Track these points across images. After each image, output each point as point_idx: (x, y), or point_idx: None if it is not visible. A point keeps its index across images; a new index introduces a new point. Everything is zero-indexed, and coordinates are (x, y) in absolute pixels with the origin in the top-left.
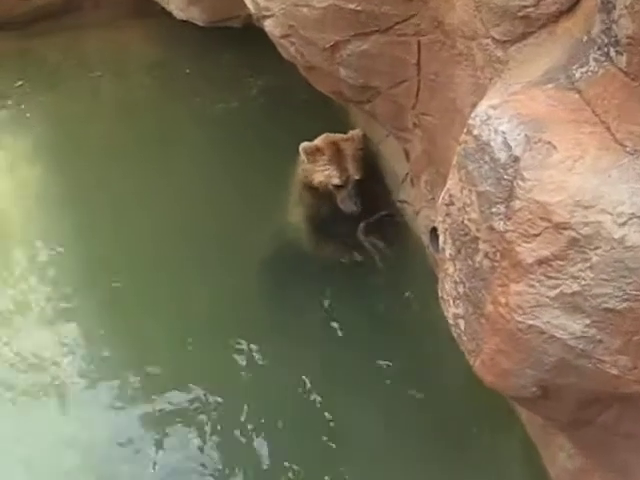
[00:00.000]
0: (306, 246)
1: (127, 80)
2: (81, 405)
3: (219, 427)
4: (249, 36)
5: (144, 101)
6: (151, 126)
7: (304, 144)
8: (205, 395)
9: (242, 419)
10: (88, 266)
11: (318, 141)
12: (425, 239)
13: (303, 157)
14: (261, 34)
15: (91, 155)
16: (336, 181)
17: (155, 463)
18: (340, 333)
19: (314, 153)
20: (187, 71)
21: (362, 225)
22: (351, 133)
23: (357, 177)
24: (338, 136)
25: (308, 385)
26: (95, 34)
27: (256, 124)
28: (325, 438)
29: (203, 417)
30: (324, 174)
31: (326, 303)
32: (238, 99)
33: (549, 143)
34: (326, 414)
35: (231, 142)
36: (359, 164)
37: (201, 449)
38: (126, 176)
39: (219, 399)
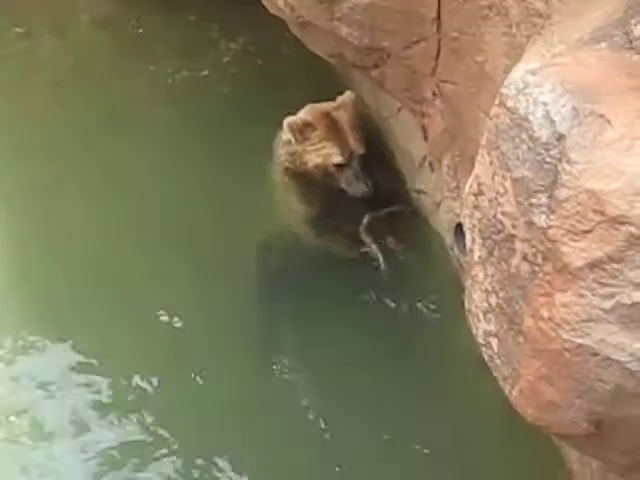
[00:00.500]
0: (301, 250)
1: (64, 41)
2: None
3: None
4: None
5: (85, 69)
6: (93, 103)
7: (289, 119)
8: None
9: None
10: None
11: (305, 114)
12: (448, 238)
13: (289, 136)
14: None
15: (18, 144)
16: (338, 159)
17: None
18: (340, 357)
19: (303, 130)
20: (140, 30)
21: (365, 221)
22: (340, 99)
23: (361, 151)
24: (327, 105)
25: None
26: None
27: (229, 99)
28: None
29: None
30: (321, 154)
31: (326, 322)
32: (206, 67)
33: (602, 117)
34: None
35: (198, 123)
36: (360, 134)
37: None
38: (61, 172)
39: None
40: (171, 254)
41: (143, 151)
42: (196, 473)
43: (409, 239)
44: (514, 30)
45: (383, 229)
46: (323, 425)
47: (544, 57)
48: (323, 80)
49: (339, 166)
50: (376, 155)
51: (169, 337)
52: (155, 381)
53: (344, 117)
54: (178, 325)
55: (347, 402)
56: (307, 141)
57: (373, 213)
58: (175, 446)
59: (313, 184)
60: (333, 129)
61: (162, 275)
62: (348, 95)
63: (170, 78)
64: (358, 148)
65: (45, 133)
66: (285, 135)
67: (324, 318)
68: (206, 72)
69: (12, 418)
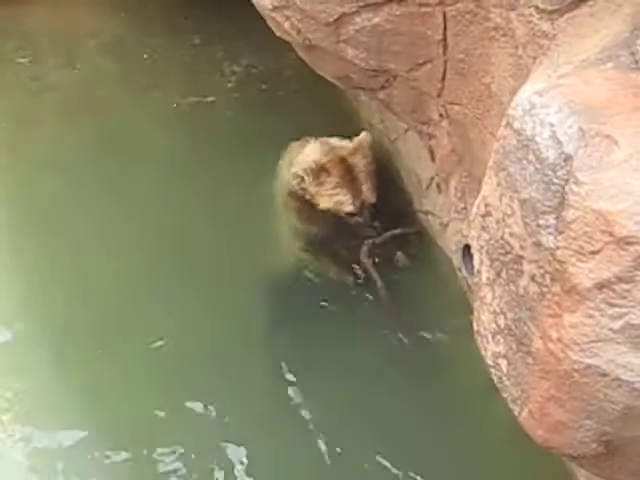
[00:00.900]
0: (303, 273)
1: (71, 66)
2: None
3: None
4: (225, 10)
5: (92, 94)
6: (100, 127)
7: (303, 163)
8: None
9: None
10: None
11: (320, 154)
12: (456, 259)
13: (308, 175)
14: (241, 6)
15: (24, 168)
16: (349, 208)
17: None
18: (344, 377)
19: (318, 174)
20: (145, 56)
21: (365, 248)
22: (357, 141)
23: (373, 200)
24: (343, 148)
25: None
26: (35, 10)
27: (234, 123)
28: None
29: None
30: (333, 200)
31: (330, 342)
32: (211, 91)
33: (609, 137)
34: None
35: (203, 147)
36: (373, 183)
37: None
38: (68, 194)
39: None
40: (174, 274)
41: (149, 173)
42: None
43: (415, 260)
44: (520, 51)
45: (387, 252)
46: (324, 445)
47: (550, 78)
48: (328, 103)
49: (350, 213)
50: (383, 177)
51: (171, 359)
52: (156, 403)
53: (360, 164)
54: (178, 345)
55: (351, 423)
56: (321, 186)
57: (375, 238)
58: (176, 464)
59: (317, 207)
60: (348, 177)
61: (162, 294)
62: (364, 137)
63: (173, 105)
64: (370, 197)
65: (52, 156)
66: (292, 169)
67: (327, 338)
68: (212, 98)
69: None
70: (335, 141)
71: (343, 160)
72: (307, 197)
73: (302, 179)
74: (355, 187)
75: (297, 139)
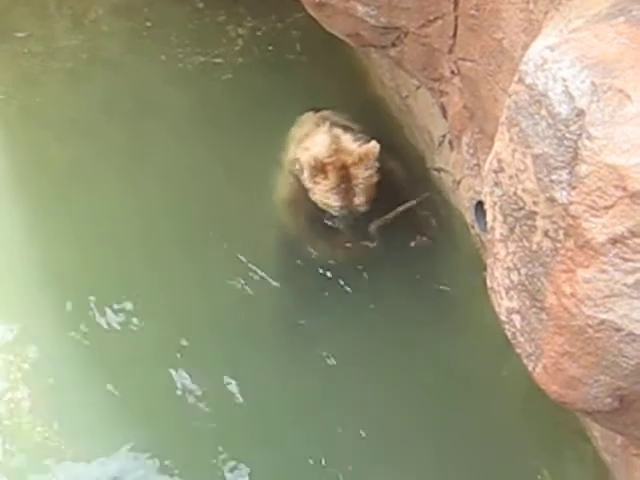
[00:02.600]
0: (308, 250)
1: (80, 30)
2: None
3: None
4: None
5: (99, 59)
6: (109, 91)
7: (306, 154)
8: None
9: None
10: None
11: (323, 151)
12: (469, 216)
13: (306, 169)
14: None
15: (39, 131)
16: (336, 213)
17: None
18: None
19: (316, 172)
20: (148, 24)
21: (373, 227)
22: (365, 150)
23: (363, 210)
24: (349, 153)
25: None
26: None
27: (243, 86)
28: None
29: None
30: (324, 202)
31: (342, 306)
32: (218, 55)
33: (622, 91)
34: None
35: (214, 109)
36: (369, 195)
37: None
38: (88, 158)
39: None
40: (173, 244)
41: (161, 129)
42: None
43: (428, 224)
44: (531, 6)
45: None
46: (337, 388)
47: (562, 32)
48: (337, 63)
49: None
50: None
51: (180, 353)
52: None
53: (360, 176)
54: (186, 337)
55: (366, 374)
56: (315, 184)
57: (382, 219)
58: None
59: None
60: (344, 186)
61: (163, 275)
62: (373, 147)
63: (182, 64)
64: (360, 207)
65: (64, 118)
66: (299, 160)
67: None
68: (219, 60)
69: None
70: (347, 139)
71: (344, 167)
72: (302, 188)
73: (300, 169)
74: (347, 197)
75: (310, 107)
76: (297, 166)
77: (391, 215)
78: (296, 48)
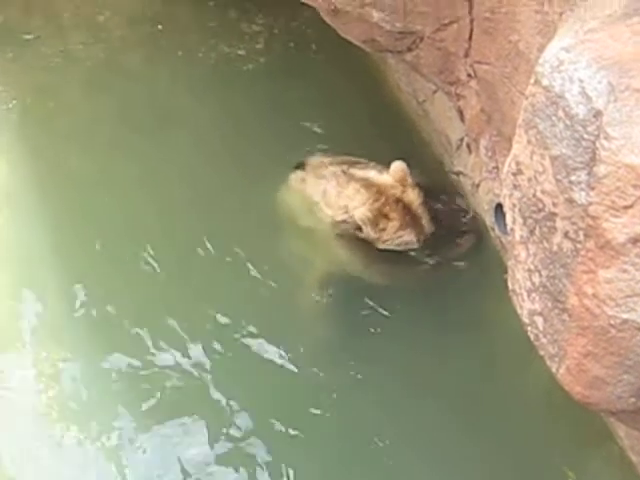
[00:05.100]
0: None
1: (94, 37)
2: None
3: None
4: None
5: (114, 66)
6: (126, 96)
7: (361, 213)
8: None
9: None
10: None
11: (370, 200)
12: (489, 219)
13: (366, 225)
14: None
15: (54, 140)
16: (414, 245)
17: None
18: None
19: (377, 221)
20: (159, 27)
21: (450, 254)
22: (398, 172)
23: (432, 230)
24: (391, 187)
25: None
26: None
27: (264, 91)
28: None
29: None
30: (396, 242)
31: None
32: (234, 52)
33: (639, 91)
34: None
35: (232, 111)
36: (429, 212)
37: None
38: (89, 161)
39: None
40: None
41: (181, 134)
42: None
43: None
44: (546, 7)
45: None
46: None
47: (577, 34)
48: (359, 64)
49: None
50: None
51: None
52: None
53: (414, 199)
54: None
55: (390, 374)
56: (383, 232)
57: (454, 245)
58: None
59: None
60: (408, 217)
61: (189, 284)
62: (401, 166)
63: (199, 64)
64: (430, 228)
65: (78, 124)
66: (352, 220)
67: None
68: (238, 54)
69: None
70: (375, 176)
71: (399, 201)
72: (361, 236)
73: (359, 228)
74: (417, 224)
75: (313, 152)
76: (348, 226)
77: (464, 245)
78: (312, 48)
